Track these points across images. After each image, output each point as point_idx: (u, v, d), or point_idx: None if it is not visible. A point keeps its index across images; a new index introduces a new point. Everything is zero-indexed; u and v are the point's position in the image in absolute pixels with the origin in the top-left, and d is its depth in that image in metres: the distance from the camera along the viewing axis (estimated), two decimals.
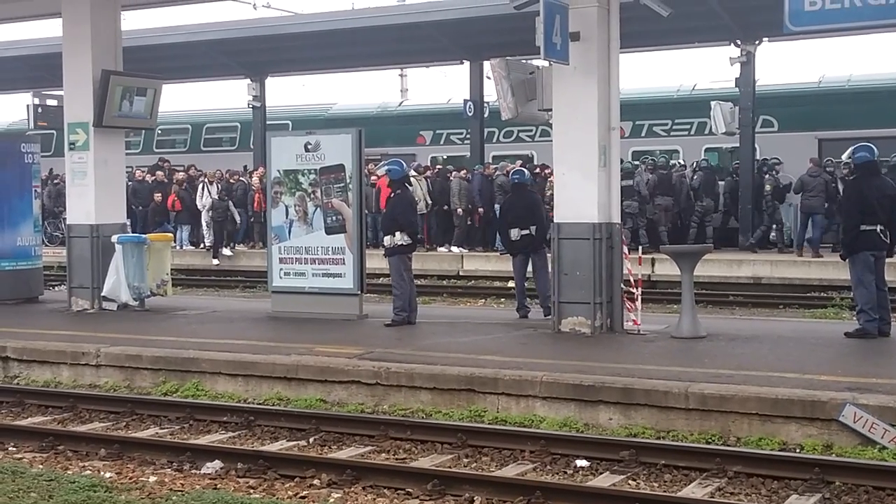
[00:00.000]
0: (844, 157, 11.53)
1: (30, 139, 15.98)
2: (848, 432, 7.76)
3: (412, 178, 21.85)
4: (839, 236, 10.14)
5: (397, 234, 12.30)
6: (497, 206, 20.24)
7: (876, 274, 10.79)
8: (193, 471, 7.64)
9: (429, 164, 24.85)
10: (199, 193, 23.32)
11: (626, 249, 11.71)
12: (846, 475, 7.00)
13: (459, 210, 22.12)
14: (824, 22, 9.84)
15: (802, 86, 23.90)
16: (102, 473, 7.55)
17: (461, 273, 21.17)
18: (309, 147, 12.95)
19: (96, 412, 9.63)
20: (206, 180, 23.36)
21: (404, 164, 13.20)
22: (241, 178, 24.32)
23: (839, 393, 7.99)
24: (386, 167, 13.35)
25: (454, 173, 22.59)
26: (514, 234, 12.92)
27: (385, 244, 12.64)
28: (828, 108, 22.89)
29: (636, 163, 21.99)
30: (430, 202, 22.05)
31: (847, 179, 11.16)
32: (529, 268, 13.19)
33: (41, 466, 7.79)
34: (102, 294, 14.01)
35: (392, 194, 12.84)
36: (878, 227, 10.67)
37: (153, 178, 24.77)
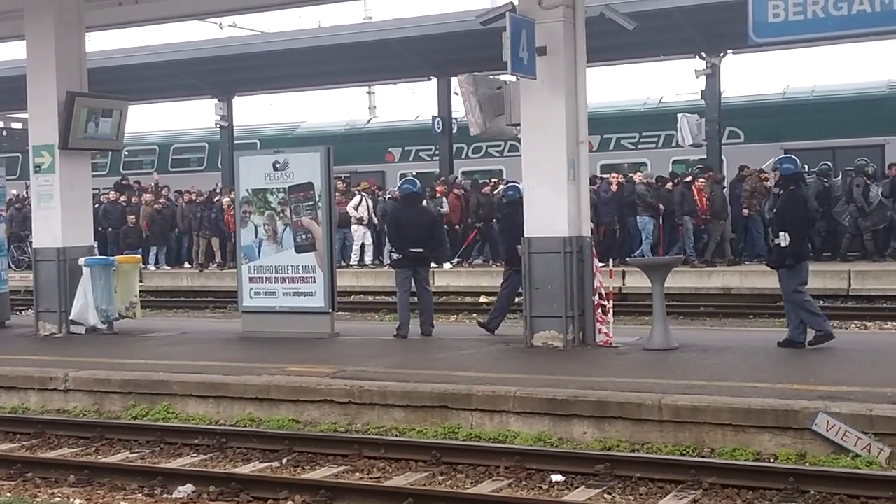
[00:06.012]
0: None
1: None
2: (821, 441, 7.78)
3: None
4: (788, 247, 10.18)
5: None
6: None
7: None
8: (165, 495, 7.55)
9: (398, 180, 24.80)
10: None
11: (596, 262, 11.74)
12: (820, 484, 7.02)
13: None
14: (788, 33, 9.93)
15: (767, 97, 24.13)
16: (72, 500, 7.44)
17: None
18: (277, 166, 12.91)
19: (65, 438, 9.49)
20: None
21: (417, 183, 13.54)
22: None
23: (811, 402, 8.01)
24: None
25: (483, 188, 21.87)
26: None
27: None
28: (793, 118, 23.12)
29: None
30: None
31: (781, 191, 11.36)
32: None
33: (9, 494, 7.66)
34: (70, 318, 13.85)
35: None
36: None
37: (121, 197, 24.59)
